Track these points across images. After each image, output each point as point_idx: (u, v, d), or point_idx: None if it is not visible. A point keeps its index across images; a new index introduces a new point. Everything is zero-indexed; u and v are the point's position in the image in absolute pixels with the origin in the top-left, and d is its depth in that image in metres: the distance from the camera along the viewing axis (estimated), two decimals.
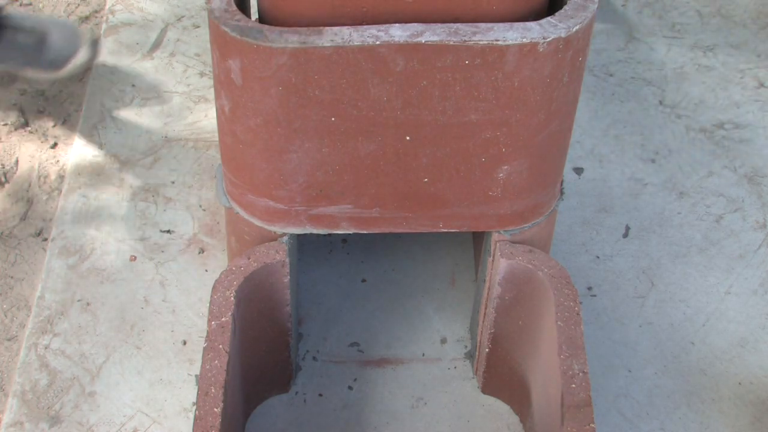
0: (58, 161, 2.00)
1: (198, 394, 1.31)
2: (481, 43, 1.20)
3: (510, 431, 1.60)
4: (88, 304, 1.75)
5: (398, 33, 1.20)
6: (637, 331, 1.74)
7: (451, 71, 1.22)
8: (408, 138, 1.30)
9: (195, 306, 1.75)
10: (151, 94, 2.12)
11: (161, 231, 1.87)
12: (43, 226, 1.88)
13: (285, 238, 1.45)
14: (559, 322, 1.39)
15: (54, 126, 2.06)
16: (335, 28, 1.21)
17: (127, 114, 2.08)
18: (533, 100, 1.26)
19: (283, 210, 1.40)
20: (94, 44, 2.07)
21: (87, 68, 2.11)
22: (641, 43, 2.29)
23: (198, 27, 2.30)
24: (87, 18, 2.34)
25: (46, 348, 1.69)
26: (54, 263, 1.81)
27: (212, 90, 1.90)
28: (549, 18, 1.22)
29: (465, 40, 1.19)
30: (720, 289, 1.82)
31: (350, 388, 1.65)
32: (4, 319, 1.75)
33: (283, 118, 1.27)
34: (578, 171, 2.01)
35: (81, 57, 2.03)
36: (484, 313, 1.55)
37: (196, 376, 1.63)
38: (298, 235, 1.51)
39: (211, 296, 1.40)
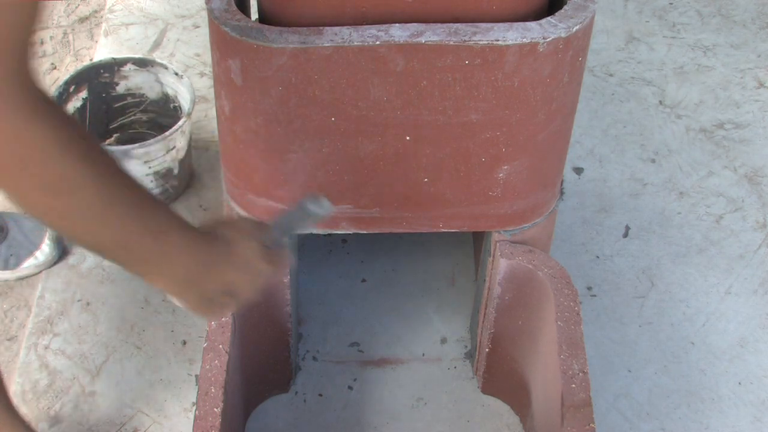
0: None
1: (198, 394, 1.31)
2: (481, 43, 1.20)
3: (510, 431, 1.60)
4: (88, 304, 1.75)
5: (398, 33, 1.20)
6: (637, 331, 1.74)
7: (451, 71, 1.22)
8: (408, 138, 1.30)
9: None
10: None
11: None
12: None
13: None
14: (559, 322, 1.39)
15: None
16: (335, 28, 1.21)
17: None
18: (533, 100, 1.26)
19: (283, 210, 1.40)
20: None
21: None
22: (641, 43, 2.29)
23: (198, 27, 2.30)
24: (87, 18, 2.34)
25: (46, 348, 1.69)
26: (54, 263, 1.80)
27: (212, 90, 1.90)
28: (549, 18, 1.22)
29: (465, 40, 1.19)
30: (720, 289, 1.82)
31: (350, 388, 1.65)
32: (4, 319, 1.75)
33: (283, 118, 1.27)
34: (578, 171, 2.01)
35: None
36: (484, 313, 1.55)
37: (196, 376, 1.63)
38: (298, 235, 1.51)
39: None
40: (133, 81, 1.92)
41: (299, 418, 1.61)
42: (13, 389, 1.63)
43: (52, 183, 0.79)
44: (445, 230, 1.43)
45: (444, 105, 1.26)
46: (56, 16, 2.33)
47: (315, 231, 1.44)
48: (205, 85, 2.14)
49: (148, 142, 1.78)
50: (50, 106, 0.75)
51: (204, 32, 2.28)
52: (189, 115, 1.82)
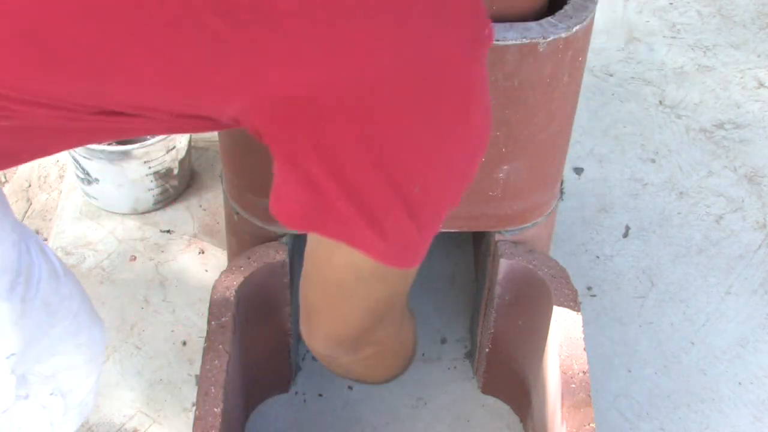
0: (58, 161, 2.00)
1: (198, 394, 1.31)
2: None
3: (510, 431, 1.60)
4: None
5: None
6: (637, 331, 1.74)
7: None
8: None
9: (195, 306, 1.75)
10: None
11: (161, 231, 1.87)
12: (43, 226, 1.88)
13: (285, 238, 1.45)
14: (559, 322, 1.39)
15: None
16: None
17: None
18: (533, 100, 1.26)
19: None
20: None
21: None
22: (641, 43, 2.29)
23: None
24: None
25: None
26: None
27: None
28: (549, 18, 1.22)
29: None
30: (720, 289, 1.82)
31: (350, 388, 1.65)
32: None
33: None
34: (578, 171, 2.01)
35: None
36: (484, 313, 1.55)
37: (196, 376, 1.63)
38: (298, 235, 1.50)
39: (211, 296, 1.40)
40: None
41: (299, 418, 1.61)
42: None
43: None
44: (445, 230, 1.43)
45: None
46: None
47: None
48: None
49: (148, 142, 1.78)
50: None
51: None
52: None
